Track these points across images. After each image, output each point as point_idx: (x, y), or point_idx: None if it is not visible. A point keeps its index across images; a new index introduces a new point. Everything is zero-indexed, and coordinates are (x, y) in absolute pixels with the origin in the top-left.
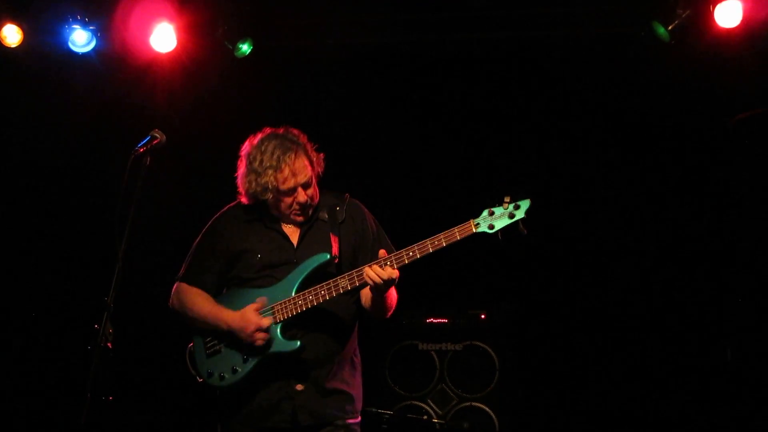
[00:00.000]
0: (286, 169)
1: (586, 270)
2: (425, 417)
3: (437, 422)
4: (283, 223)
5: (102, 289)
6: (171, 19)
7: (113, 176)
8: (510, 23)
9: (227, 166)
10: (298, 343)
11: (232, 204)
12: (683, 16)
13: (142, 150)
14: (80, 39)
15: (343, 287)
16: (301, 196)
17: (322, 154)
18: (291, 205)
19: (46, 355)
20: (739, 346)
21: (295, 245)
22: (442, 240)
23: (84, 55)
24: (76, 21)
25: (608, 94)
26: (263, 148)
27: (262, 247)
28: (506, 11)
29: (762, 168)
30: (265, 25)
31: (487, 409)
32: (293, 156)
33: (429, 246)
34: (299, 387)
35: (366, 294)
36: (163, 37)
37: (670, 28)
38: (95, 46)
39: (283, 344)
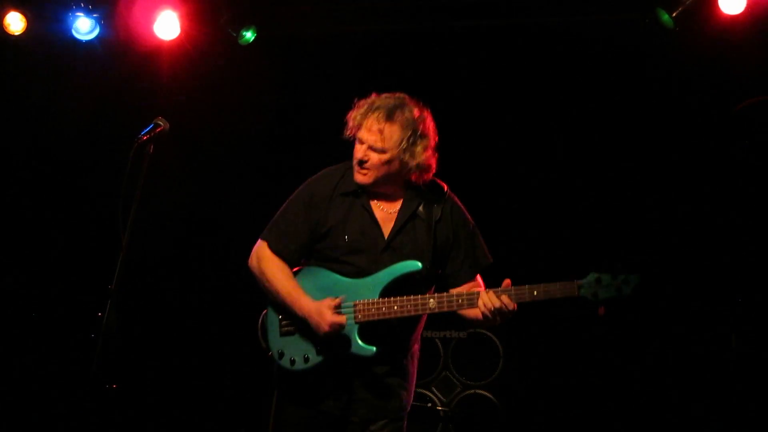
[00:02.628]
0: (367, 121)
1: (590, 257)
2: (429, 405)
3: (441, 410)
4: (376, 205)
5: (106, 277)
6: (175, 7)
7: (117, 164)
8: (513, 9)
9: (230, 154)
10: (374, 349)
11: (330, 168)
12: (687, 2)
13: (145, 138)
14: (84, 26)
15: (431, 308)
16: (360, 152)
17: (430, 141)
18: (353, 160)
19: (49, 343)
20: (744, 333)
21: (385, 235)
22: (541, 293)
23: (88, 42)
24: (79, 8)
25: (611, 80)
26: (381, 96)
27: (353, 228)
28: None
29: (767, 154)
30: (269, 12)
31: (490, 396)
32: (385, 115)
33: (526, 295)
34: (357, 382)
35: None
36: (167, 25)
37: (674, 14)
38: (99, 33)
39: (359, 348)
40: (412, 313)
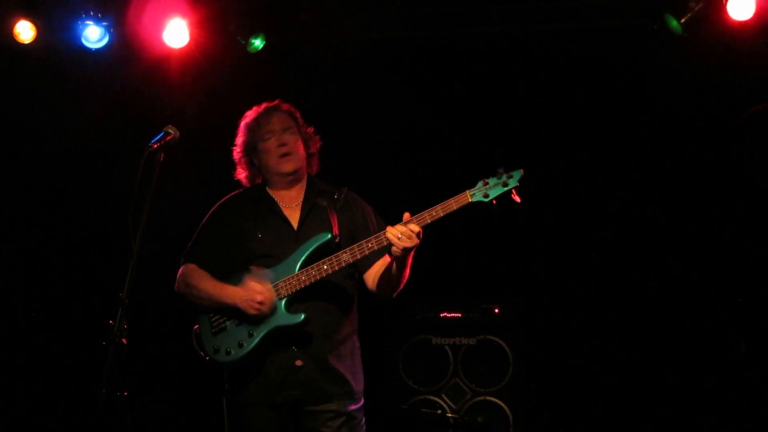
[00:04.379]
0: (270, 117)
1: (599, 264)
2: (439, 411)
3: (451, 416)
4: (283, 204)
5: (116, 285)
6: (184, 15)
7: (127, 172)
8: (521, 16)
9: None
10: (303, 315)
11: (235, 192)
12: (696, 8)
13: (155, 146)
14: (93, 35)
15: (345, 261)
16: (278, 139)
17: (312, 128)
18: (277, 150)
19: (60, 351)
20: (754, 338)
21: (295, 228)
22: (439, 210)
23: (97, 50)
24: (89, 17)
25: (620, 87)
26: (249, 113)
27: (263, 228)
28: (517, 4)
29: None
30: (277, 20)
31: (501, 403)
32: (275, 112)
33: (427, 216)
34: (299, 362)
35: (374, 273)
36: (176, 33)
37: (682, 20)
38: (108, 41)
39: (287, 317)
40: (330, 272)
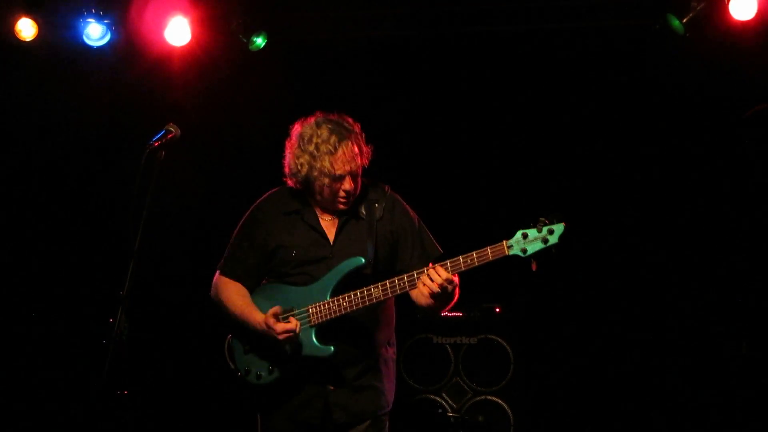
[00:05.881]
0: (341, 156)
1: (599, 263)
2: (440, 410)
3: (452, 416)
4: (321, 216)
5: (117, 283)
6: (185, 13)
7: (128, 170)
8: (522, 16)
9: (241, 160)
10: (332, 348)
11: (272, 191)
12: (698, 8)
13: (156, 144)
14: (95, 32)
15: (376, 297)
16: (348, 184)
17: (371, 146)
18: (337, 192)
19: (60, 349)
20: (755, 339)
21: (331, 241)
22: (474, 259)
23: (99, 48)
24: (90, 14)
25: (622, 86)
26: (320, 131)
27: (299, 242)
28: (520, 4)
29: None
30: (279, 19)
31: (501, 402)
32: (349, 143)
33: (461, 264)
34: (332, 387)
35: (416, 292)
36: (178, 31)
37: (684, 20)
38: (110, 39)
39: (317, 349)
40: (361, 306)
